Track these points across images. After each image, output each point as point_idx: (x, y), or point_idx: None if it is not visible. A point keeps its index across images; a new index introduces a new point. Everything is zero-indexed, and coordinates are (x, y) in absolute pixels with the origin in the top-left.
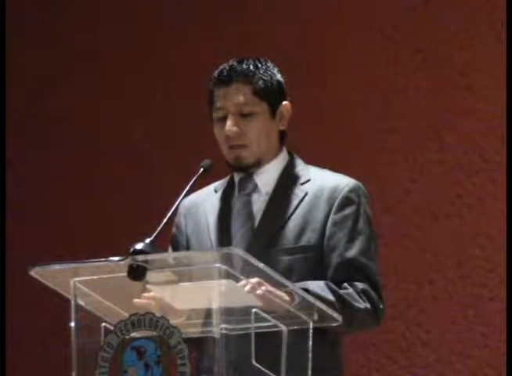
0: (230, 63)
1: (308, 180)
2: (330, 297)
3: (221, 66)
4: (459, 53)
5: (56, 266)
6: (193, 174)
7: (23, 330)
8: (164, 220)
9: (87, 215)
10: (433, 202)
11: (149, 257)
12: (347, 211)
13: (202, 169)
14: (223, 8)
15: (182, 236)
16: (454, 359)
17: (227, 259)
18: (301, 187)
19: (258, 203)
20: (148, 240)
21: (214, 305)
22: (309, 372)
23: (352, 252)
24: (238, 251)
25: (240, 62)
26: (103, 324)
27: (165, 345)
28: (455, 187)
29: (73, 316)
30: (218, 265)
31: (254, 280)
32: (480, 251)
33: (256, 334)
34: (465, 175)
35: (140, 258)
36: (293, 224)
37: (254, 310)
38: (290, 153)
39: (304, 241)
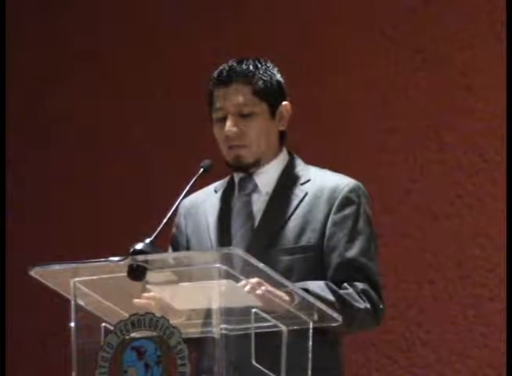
0: (230, 64)
1: (308, 180)
2: (330, 297)
3: (221, 67)
4: (459, 53)
5: (56, 266)
6: (193, 174)
7: (23, 330)
8: (164, 220)
9: (87, 215)
10: (433, 202)
11: (149, 257)
12: (348, 211)
13: (202, 169)
14: (223, 8)
15: (182, 237)
16: (454, 359)
17: (227, 259)
18: (301, 187)
19: (258, 203)
20: (148, 240)
21: (214, 305)
22: (309, 372)
23: (352, 252)
24: (238, 251)
25: (240, 62)
26: (103, 324)
27: (165, 345)
28: (455, 187)
29: (73, 316)
30: (218, 265)
31: (254, 280)
32: (480, 251)
33: (256, 334)
34: (465, 175)
35: (140, 258)
36: (293, 224)
37: (253, 310)
38: (290, 154)
39: (304, 241)
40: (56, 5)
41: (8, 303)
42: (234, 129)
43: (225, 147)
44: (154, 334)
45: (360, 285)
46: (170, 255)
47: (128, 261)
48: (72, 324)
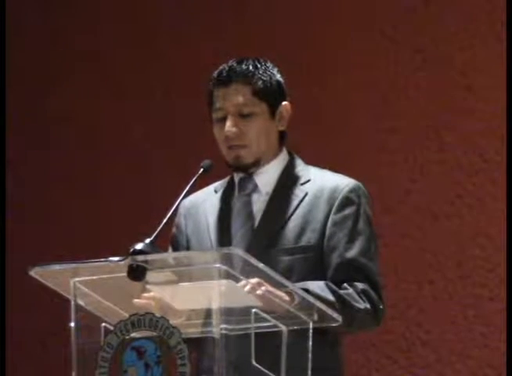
0: (230, 64)
1: (308, 180)
2: (330, 297)
3: (221, 67)
4: (459, 53)
5: (56, 266)
6: (193, 174)
7: (23, 330)
8: (164, 220)
9: (87, 215)
10: (433, 202)
11: (149, 257)
12: (348, 211)
13: (202, 169)
14: (223, 8)
15: (182, 237)
16: (454, 359)
17: (227, 259)
18: (301, 187)
19: (258, 203)
20: (148, 240)
21: (214, 306)
22: (309, 372)
23: (352, 252)
24: (238, 251)
25: (240, 62)
26: (103, 324)
27: (165, 345)
28: (455, 187)
29: (73, 316)
30: (218, 265)
31: (254, 280)
32: (480, 251)
33: (256, 334)
34: (465, 175)
35: (140, 258)
36: (293, 224)
37: (253, 310)
38: (290, 154)
39: (304, 241)
40: (56, 5)
41: (8, 303)
42: (234, 129)
43: (225, 147)
44: (154, 334)
45: (360, 285)
46: (170, 255)
47: (128, 261)
48: (72, 324)
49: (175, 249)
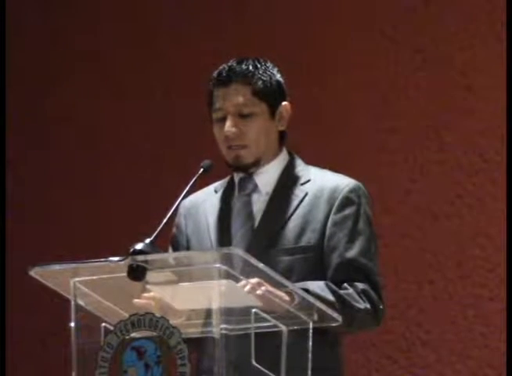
0: (229, 64)
1: (308, 180)
2: (330, 297)
3: (221, 67)
4: (459, 53)
5: (56, 266)
6: (193, 174)
7: (23, 330)
8: (164, 220)
9: (87, 215)
10: (433, 202)
11: (149, 257)
12: (348, 211)
13: (202, 169)
14: (223, 8)
15: (182, 237)
16: (454, 359)
17: (227, 259)
18: (301, 187)
19: (258, 203)
20: (148, 240)
21: (214, 306)
22: (309, 372)
23: (352, 253)
24: (238, 251)
25: (240, 62)
26: (103, 324)
27: (165, 345)
28: (455, 187)
29: (73, 316)
30: (218, 265)
31: (254, 280)
32: (480, 251)
33: (256, 334)
34: (465, 175)
35: (140, 258)
36: (293, 224)
37: (253, 310)
38: (290, 154)
39: (304, 241)
40: (56, 5)
41: (8, 303)
42: (233, 129)
43: (225, 147)
44: (154, 334)
45: (360, 285)
46: (170, 255)
47: (128, 261)
48: (72, 324)
49: (175, 249)
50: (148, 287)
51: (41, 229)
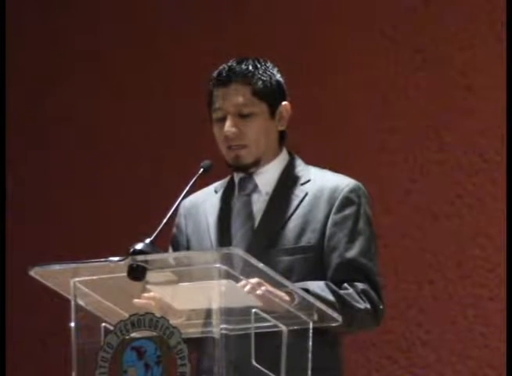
0: (229, 64)
1: (308, 180)
2: (330, 297)
3: (221, 67)
4: (459, 53)
5: (56, 266)
6: (193, 174)
7: (23, 330)
8: (164, 220)
9: (87, 215)
10: (433, 202)
11: (149, 257)
12: (348, 211)
13: (202, 169)
14: (223, 8)
15: (183, 237)
16: (454, 359)
17: (227, 259)
18: (301, 187)
19: (258, 203)
20: (148, 240)
21: (214, 306)
22: (309, 372)
23: (352, 253)
24: (238, 251)
25: (239, 62)
26: (103, 324)
27: (165, 345)
28: (455, 187)
29: (73, 316)
30: (218, 265)
31: (254, 280)
32: (480, 251)
33: (256, 334)
34: (465, 175)
35: (140, 258)
36: (293, 224)
37: (253, 310)
38: (290, 154)
39: (304, 242)
40: (56, 5)
41: (8, 303)
42: (233, 129)
43: (225, 147)
44: (154, 334)
45: (360, 285)
46: (170, 255)
47: (128, 261)
48: (72, 324)
49: (175, 249)
50: (148, 287)
51: (41, 229)
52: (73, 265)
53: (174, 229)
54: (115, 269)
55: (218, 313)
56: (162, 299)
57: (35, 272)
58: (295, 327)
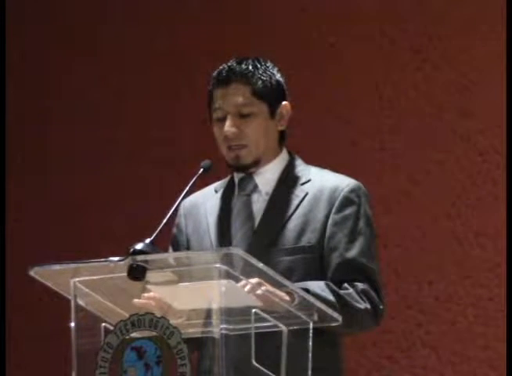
0: (229, 64)
1: (309, 180)
2: (330, 297)
3: (221, 67)
4: (459, 53)
5: (56, 266)
6: (193, 174)
7: (23, 330)
8: (164, 220)
9: (87, 215)
10: (433, 202)
11: (149, 257)
12: (348, 211)
13: (202, 169)
14: (223, 8)
15: (183, 237)
16: (454, 359)
17: (227, 259)
18: (301, 187)
19: (258, 203)
20: (148, 240)
21: (214, 306)
22: (309, 372)
23: (352, 252)
24: (238, 251)
25: (239, 62)
26: (103, 324)
27: (165, 345)
28: (455, 187)
29: (73, 316)
30: (218, 265)
31: (254, 280)
32: (480, 251)
33: (256, 334)
34: (465, 175)
35: (140, 258)
36: (293, 224)
37: (254, 310)
38: (290, 154)
39: (304, 241)
40: (56, 5)
41: (8, 303)
42: (233, 129)
43: (225, 147)
44: (154, 334)
45: (360, 285)
46: (170, 255)
47: (128, 261)
48: (72, 324)
49: (176, 249)
50: (148, 287)
51: (41, 229)
52: (73, 265)
53: (175, 229)
54: (115, 269)
55: (218, 313)
56: (162, 299)
57: (35, 272)
58: (295, 327)
